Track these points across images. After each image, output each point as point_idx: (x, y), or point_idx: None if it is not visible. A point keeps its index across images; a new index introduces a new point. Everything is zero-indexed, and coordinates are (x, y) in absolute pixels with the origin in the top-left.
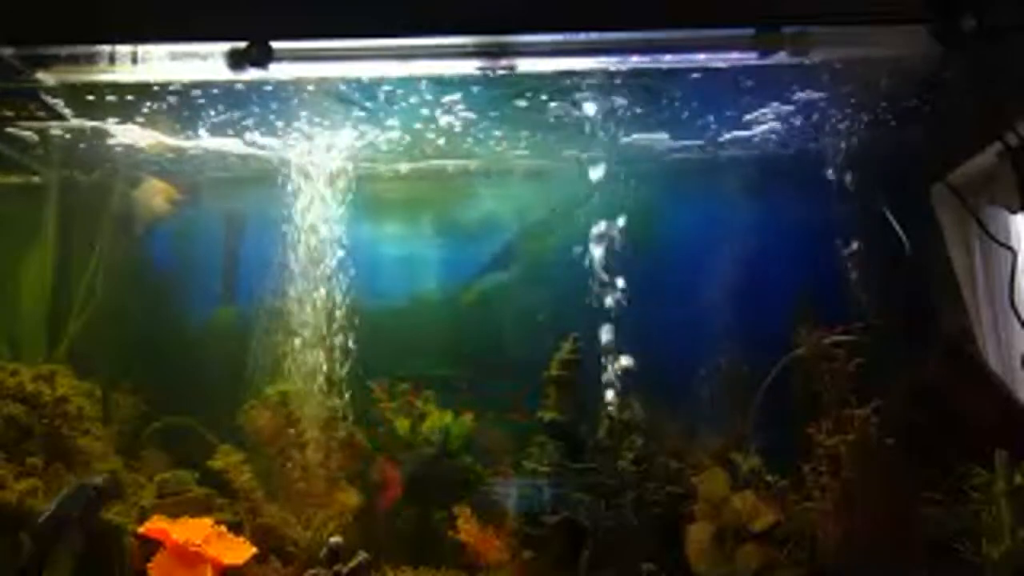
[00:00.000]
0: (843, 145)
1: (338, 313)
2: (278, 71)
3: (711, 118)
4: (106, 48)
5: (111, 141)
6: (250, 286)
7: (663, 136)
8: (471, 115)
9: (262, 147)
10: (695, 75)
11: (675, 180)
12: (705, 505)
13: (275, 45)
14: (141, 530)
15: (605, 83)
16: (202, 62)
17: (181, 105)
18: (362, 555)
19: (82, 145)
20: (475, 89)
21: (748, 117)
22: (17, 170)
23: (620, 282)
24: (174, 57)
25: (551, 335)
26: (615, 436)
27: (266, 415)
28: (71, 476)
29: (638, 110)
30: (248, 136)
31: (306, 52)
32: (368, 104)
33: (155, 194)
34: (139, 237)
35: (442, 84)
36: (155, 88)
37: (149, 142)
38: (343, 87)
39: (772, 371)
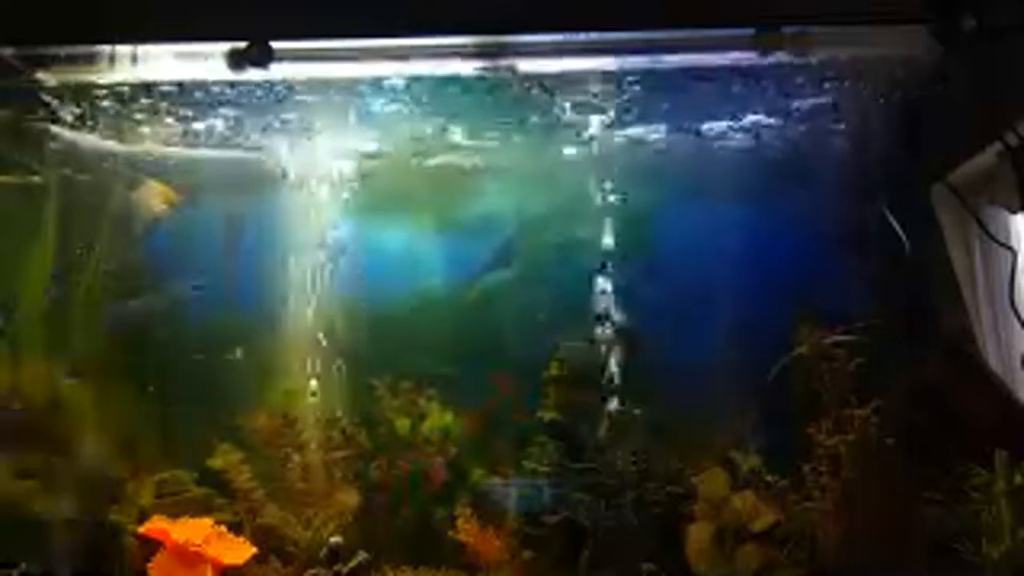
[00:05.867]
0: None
1: (339, 312)
2: (278, 71)
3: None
4: (106, 48)
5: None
6: (250, 286)
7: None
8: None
9: (261, 147)
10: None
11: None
12: (705, 505)
13: (275, 45)
14: (141, 530)
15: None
16: (202, 62)
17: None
18: (362, 555)
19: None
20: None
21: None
22: (16, 170)
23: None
24: (174, 57)
25: (552, 333)
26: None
27: (266, 415)
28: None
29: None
30: (247, 136)
31: (306, 52)
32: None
33: (153, 196)
34: (138, 238)
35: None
36: None
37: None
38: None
39: (773, 370)
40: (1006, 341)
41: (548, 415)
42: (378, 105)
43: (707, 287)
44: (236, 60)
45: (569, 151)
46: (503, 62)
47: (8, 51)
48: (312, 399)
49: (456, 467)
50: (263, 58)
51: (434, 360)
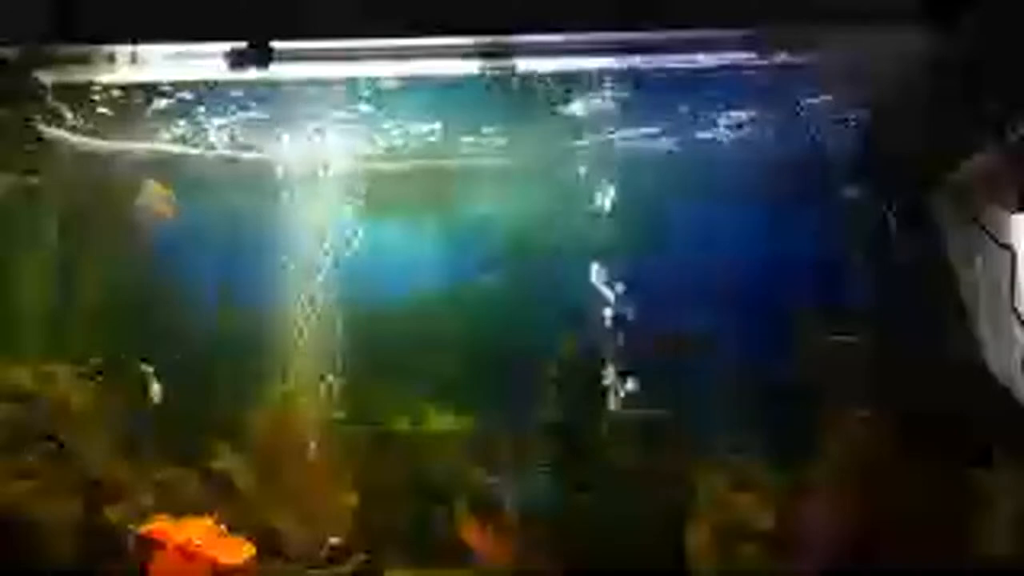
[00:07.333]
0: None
1: (338, 313)
2: (278, 71)
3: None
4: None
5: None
6: (250, 287)
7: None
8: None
9: (261, 148)
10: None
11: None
12: (705, 505)
13: (275, 45)
14: (142, 530)
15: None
16: (202, 62)
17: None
18: (362, 555)
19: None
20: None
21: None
22: (16, 170)
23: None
24: (175, 57)
25: (552, 332)
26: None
27: (268, 416)
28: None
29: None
30: (247, 136)
31: (306, 52)
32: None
33: (154, 197)
34: (139, 239)
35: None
36: None
37: None
38: None
39: (775, 371)
40: (1006, 342)
41: (548, 415)
42: (374, 107)
43: (707, 287)
44: (236, 60)
45: (568, 152)
46: (503, 62)
47: (8, 51)
48: (312, 400)
49: None
50: (263, 58)
51: (434, 362)
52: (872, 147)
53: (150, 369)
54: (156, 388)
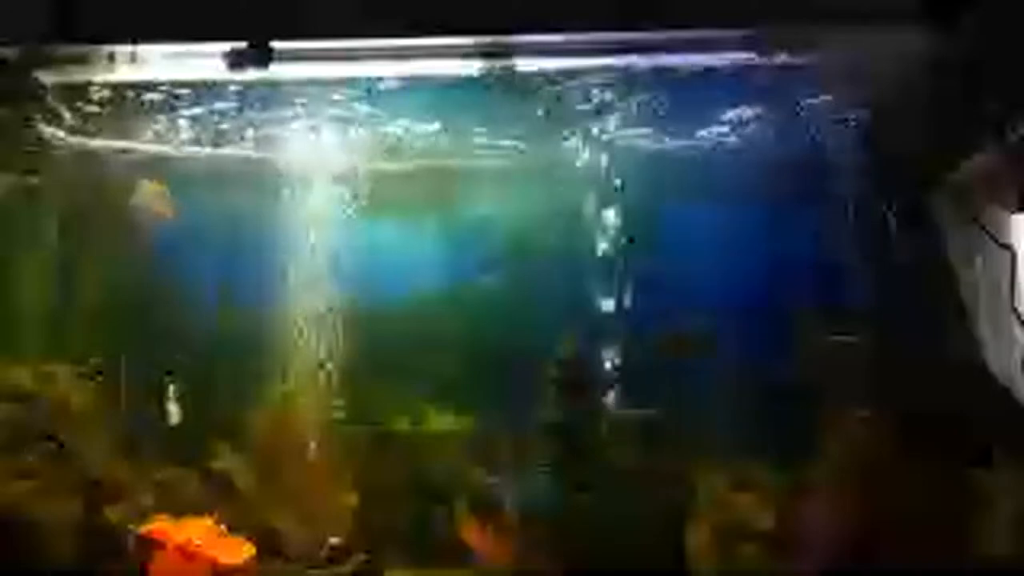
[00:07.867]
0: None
1: (338, 313)
2: (278, 71)
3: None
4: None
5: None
6: (250, 287)
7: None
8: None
9: (261, 147)
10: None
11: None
12: (705, 505)
13: (275, 45)
14: (143, 530)
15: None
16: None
17: None
18: (362, 555)
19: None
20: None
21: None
22: (16, 170)
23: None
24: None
25: (552, 332)
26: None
27: (268, 416)
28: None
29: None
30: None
31: (306, 52)
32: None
33: (149, 196)
34: (139, 239)
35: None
36: None
37: None
38: None
39: (775, 371)
40: (1006, 341)
41: (548, 415)
42: (374, 107)
43: (707, 287)
44: (236, 60)
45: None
46: (503, 62)
47: (8, 51)
48: (312, 400)
49: None
50: (263, 58)
51: (434, 362)
52: (872, 147)
53: (172, 386)
54: (175, 409)
